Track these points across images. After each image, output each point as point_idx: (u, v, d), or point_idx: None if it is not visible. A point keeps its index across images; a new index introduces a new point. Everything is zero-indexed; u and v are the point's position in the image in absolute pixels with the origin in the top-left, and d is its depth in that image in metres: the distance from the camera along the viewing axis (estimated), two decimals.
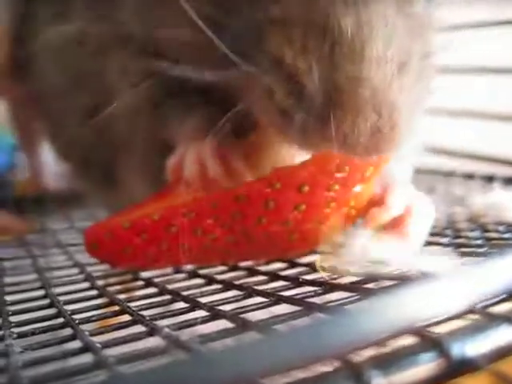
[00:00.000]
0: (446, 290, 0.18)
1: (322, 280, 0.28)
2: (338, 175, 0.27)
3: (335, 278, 0.28)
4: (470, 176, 0.49)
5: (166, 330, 0.23)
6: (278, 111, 0.25)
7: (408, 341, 0.20)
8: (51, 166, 0.58)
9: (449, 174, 0.51)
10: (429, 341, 0.19)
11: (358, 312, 0.17)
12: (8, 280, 0.34)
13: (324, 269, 0.28)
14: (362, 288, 0.27)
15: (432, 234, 0.34)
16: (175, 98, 0.33)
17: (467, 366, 0.19)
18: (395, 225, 0.30)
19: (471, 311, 0.21)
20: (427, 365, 0.19)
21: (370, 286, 0.27)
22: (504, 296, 0.22)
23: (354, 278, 0.28)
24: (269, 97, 0.25)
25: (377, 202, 0.30)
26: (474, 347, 0.19)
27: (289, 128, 0.25)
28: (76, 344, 0.23)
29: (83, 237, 0.32)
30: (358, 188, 0.28)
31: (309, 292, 0.27)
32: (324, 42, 0.23)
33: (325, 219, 0.28)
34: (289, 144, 0.28)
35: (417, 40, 0.25)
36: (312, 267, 0.30)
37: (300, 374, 0.19)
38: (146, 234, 0.30)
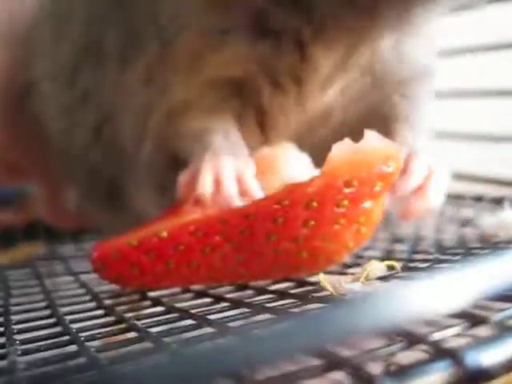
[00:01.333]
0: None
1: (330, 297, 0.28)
2: (347, 190, 0.27)
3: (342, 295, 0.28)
4: (478, 198, 0.49)
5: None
6: None
7: (421, 350, 0.20)
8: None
9: (458, 197, 0.50)
10: (443, 350, 0.19)
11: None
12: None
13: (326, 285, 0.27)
14: None
15: (443, 253, 0.34)
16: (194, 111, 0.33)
17: (482, 375, 0.18)
18: (417, 189, 0.32)
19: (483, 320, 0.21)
20: (441, 374, 0.18)
21: None
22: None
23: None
24: None
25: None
26: (489, 356, 0.19)
27: None
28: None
29: (90, 255, 0.31)
30: (367, 204, 0.28)
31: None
32: None
33: (334, 236, 0.28)
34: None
35: None
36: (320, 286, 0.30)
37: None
38: (153, 252, 0.30)
